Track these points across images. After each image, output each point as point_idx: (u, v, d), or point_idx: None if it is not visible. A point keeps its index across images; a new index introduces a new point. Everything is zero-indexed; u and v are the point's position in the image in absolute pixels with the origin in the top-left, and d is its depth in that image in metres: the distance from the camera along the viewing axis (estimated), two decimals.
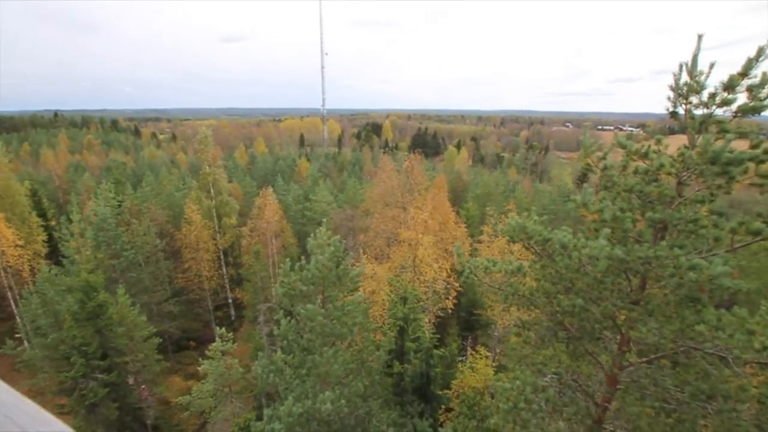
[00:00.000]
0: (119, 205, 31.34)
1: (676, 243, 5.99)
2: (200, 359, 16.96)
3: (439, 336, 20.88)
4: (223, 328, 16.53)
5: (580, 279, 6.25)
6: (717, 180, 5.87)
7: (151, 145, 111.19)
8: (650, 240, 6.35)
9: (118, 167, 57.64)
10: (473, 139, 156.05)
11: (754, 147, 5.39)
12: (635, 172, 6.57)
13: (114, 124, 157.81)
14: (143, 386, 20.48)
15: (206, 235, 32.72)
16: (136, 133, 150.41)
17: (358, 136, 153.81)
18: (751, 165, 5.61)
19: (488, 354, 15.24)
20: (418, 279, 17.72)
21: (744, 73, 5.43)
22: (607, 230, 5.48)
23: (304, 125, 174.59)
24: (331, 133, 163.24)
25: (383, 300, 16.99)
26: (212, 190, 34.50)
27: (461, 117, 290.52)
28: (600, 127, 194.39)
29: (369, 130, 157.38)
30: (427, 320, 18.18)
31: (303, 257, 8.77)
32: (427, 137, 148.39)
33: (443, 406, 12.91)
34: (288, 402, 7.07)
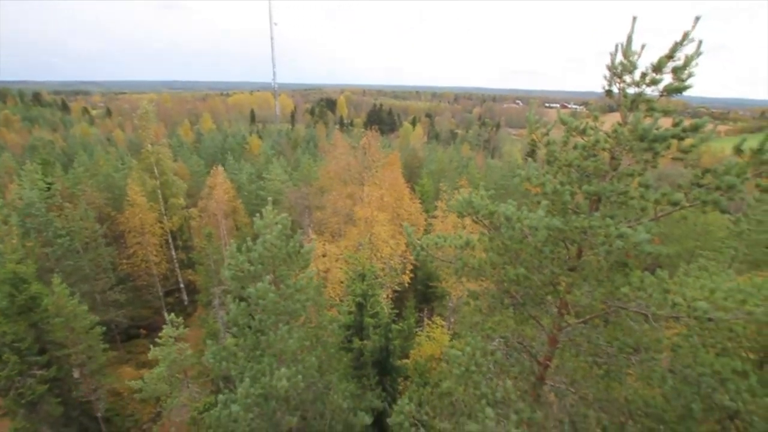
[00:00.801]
0: (48, 188, 28.61)
1: (609, 213, 6.50)
2: (152, 347, 16.32)
3: (397, 310, 21.49)
4: (173, 314, 15.93)
5: (524, 249, 6.65)
6: (645, 155, 6.39)
7: (83, 122, 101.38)
8: (586, 211, 6.84)
9: (45, 146, 52.33)
10: (428, 115, 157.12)
11: (675, 125, 5.91)
12: (574, 147, 6.99)
13: (36, 97, 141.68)
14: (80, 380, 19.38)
15: (152, 218, 30.89)
16: (64, 108, 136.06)
17: (311, 112, 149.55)
18: (674, 141, 6.16)
19: (443, 323, 15.97)
20: (375, 255, 17.95)
21: (670, 56, 5.85)
22: (546, 202, 5.84)
23: (254, 100, 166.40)
24: (284, 109, 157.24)
25: (339, 278, 17.11)
26: (156, 170, 32.37)
27: (416, 93, 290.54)
28: (547, 105, 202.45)
29: (323, 105, 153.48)
30: (385, 295, 18.59)
31: (249, 238, 8.60)
32: (382, 113, 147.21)
33: (403, 376, 13.47)
34: (245, 383, 7.04)
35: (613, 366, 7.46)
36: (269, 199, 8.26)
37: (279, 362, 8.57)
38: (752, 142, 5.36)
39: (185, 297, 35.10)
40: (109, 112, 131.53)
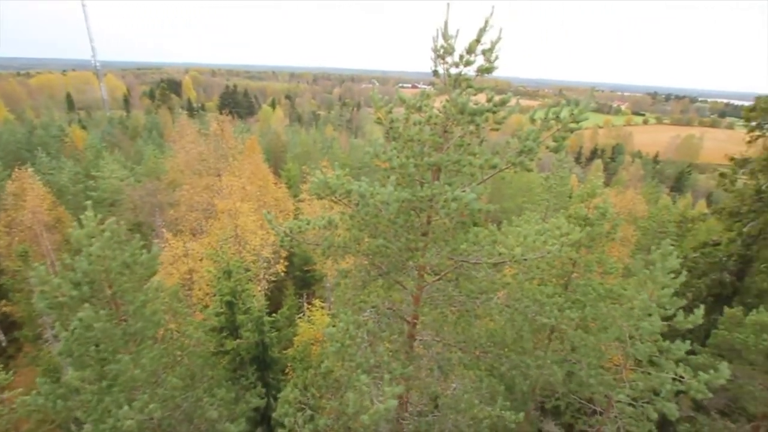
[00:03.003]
0: None
1: (448, 181, 7.36)
2: None
3: (271, 301, 20.91)
4: None
5: (380, 222, 7.08)
6: (469, 127, 7.35)
7: None
8: (430, 181, 7.61)
9: None
10: (288, 97, 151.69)
11: (489, 101, 6.92)
12: (415, 123, 7.62)
13: None
14: None
15: None
16: None
17: (151, 96, 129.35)
18: (490, 115, 7.21)
19: (323, 305, 16.15)
20: (243, 249, 16.89)
21: (478, 40, 6.74)
22: (393, 177, 6.28)
23: (69, 82, 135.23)
24: (113, 92, 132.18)
25: (207, 277, 15.72)
26: None
27: (273, 73, 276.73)
28: (401, 85, 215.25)
29: (165, 87, 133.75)
30: (259, 288, 17.80)
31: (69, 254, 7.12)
32: (237, 96, 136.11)
33: (286, 366, 13.26)
34: (86, 429, 5.91)
35: (465, 311, 8.68)
36: (89, 203, 6.87)
37: (135, 391, 7.48)
38: (540, 113, 6.66)
39: (1, 336, 27.71)
40: None
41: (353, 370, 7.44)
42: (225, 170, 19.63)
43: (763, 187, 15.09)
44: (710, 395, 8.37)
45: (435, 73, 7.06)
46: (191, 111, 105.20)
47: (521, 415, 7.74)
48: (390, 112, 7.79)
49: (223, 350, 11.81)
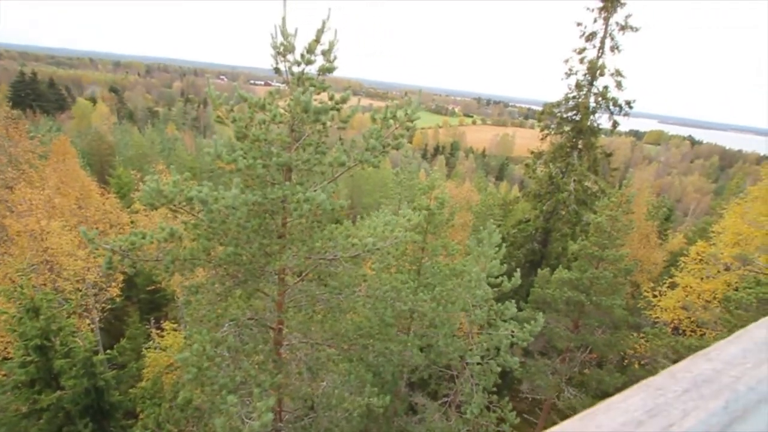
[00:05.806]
0: None
1: (300, 181, 7.29)
2: None
3: (111, 335, 17.70)
4: None
5: (230, 228, 6.61)
6: (316, 126, 7.41)
7: None
8: (282, 181, 7.41)
9: None
10: (113, 90, 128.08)
11: (331, 99, 7.09)
12: (260, 123, 7.30)
13: None
14: None
15: None
16: None
17: None
18: (335, 113, 7.39)
19: (176, 326, 14.29)
20: (59, 277, 13.56)
21: (317, 40, 6.83)
22: (237, 180, 5.91)
23: None
24: None
25: (6, 319, 12.23)
26: None
27: (90, 61, 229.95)
28: (252, 81, 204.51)
29: None
30: (88, 322, 14.66)
31: None
32: (38, 86, 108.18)
33: (131, 407, 11.29)
34: None
35: (330, 308, 8.80)
36: None
37: None
38: (381, 113, 7.16)
39: None
40: None
41: (216, 393, 6.80)
42: (19, 180, 15.36)
43: (553, 174, 19.38)
44: (532, 339, 10.41)
45: (276, 70, 6.89)
46: None
47: (387, 398, 8.25)
48: (231, 110, 7.29)
49: (39, 408, 9.40)
